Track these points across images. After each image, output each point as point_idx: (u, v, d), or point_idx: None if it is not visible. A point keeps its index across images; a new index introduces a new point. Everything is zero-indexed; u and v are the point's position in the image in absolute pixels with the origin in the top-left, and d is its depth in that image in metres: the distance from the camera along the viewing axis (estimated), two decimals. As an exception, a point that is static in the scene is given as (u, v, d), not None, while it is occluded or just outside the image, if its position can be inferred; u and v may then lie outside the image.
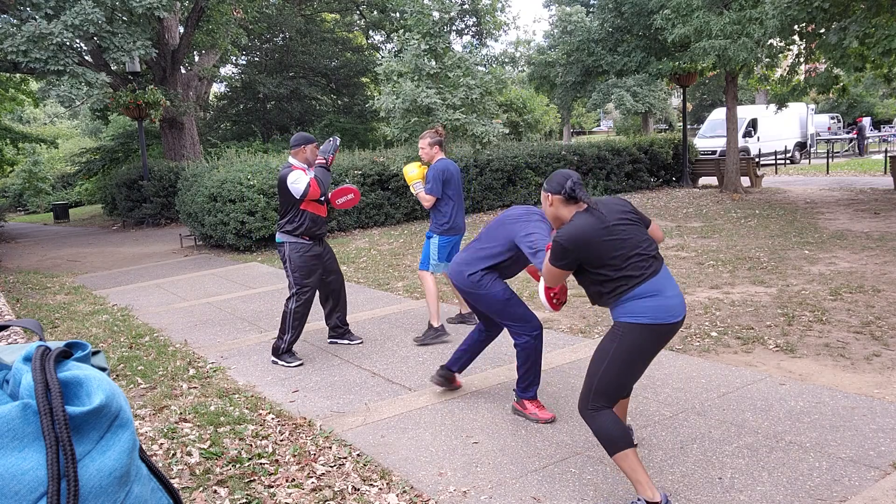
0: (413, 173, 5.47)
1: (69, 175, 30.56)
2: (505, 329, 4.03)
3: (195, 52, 21.04)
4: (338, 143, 5.29)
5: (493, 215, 13.88)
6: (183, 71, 18.94)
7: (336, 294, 5.52)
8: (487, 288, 3.84)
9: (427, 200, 5.41)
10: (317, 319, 6.44)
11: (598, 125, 49.93)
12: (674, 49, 15.09)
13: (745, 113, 23.47)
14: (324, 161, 5.16)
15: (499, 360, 4.92)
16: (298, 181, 5.04)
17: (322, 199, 5.15)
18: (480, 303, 3.91)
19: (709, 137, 23.28)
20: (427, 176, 5.43)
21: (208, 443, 3.69)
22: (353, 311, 6.60)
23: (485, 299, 3.86)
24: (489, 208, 14.60)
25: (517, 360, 3.89)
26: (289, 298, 5.14)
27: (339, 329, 5.60)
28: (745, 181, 16.66)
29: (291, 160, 5.20)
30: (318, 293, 5.43)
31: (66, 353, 0.86)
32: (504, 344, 5.30)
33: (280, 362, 5.13)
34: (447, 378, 4.26)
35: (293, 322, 5.12)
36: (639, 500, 2.70)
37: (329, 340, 5.64)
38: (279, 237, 5.21)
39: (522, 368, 3.87)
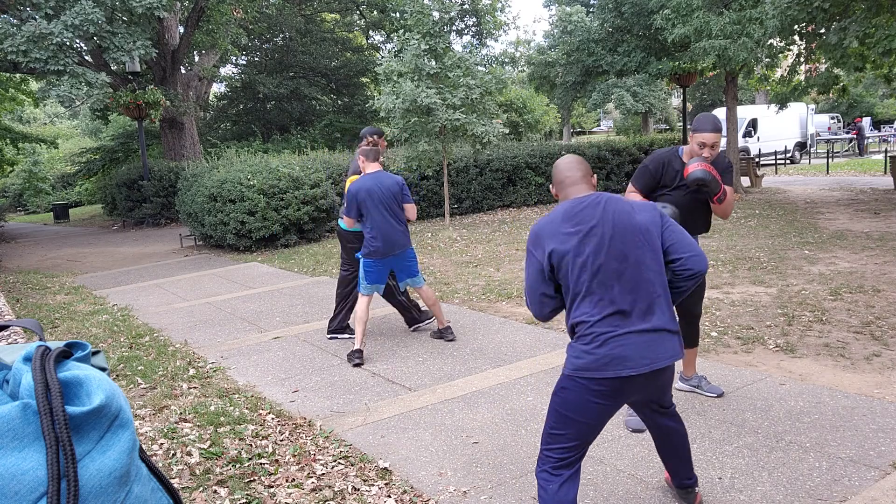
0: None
1: (69, 175, 30.58)
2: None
3: (195, 52, 21.05)
4: None
5: (493, 215, 13.89)
6: (183, 71, 18.94)
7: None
8: None
9: (345, 220, 5.22)
10: (316, 319, 6.44)
11: (598, 125, 49.91)
12: (674, 49, 15.09)
13: (745, 113, 23.48)
14: None
15: (499, 360, 4.92)
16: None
17: None
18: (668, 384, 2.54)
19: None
20: None
21: (208, 443, 3.69)
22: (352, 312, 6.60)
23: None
24: (489, 208, 14.60)
25: (683, 447, 2.72)
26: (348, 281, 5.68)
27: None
28: (746, 181, 16.67)
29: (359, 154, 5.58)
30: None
31: (66, 353, 0.86)
32: (504, 343, 5.30)
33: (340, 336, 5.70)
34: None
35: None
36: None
37: (330, 336, 5.74)
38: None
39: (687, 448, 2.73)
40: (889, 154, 19.51)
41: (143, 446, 2.45)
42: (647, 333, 2.30)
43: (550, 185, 2.65)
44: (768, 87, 16.41)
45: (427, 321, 5.84)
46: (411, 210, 5.22)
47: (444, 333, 5.49)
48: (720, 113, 23.13)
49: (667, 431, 2.68)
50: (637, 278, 2.32)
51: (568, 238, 2.33)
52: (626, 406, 3.74)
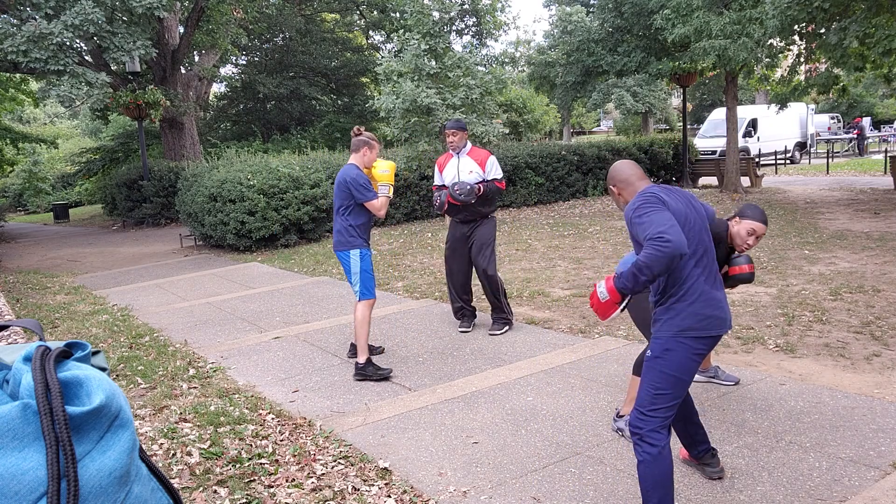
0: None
1: (69, 175, 30.56)
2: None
3: (195, 52, 21.03)
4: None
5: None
6: (183, 71, 18.94)
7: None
8: None
9: None
10: (316, 319, 6.44)
11: (598, 125, 49.90)
12: (674, 49, 15.09)
13: (745, 113, 23.47)
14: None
15: (499, 360, 4.92)
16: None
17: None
18: None
19: (709, 137, 23.28)
20: None
21: (208, 443, 3.69)
22: (352, 312, 6.60)
23: None
24: (489, 208, 14.57)
25: (695, 412, 3.07)
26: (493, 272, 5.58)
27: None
28: (745, 181, 16.67)
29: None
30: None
31: (66, 353, 0.86)
32: (504, 343, 5.30)
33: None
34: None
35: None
36: None
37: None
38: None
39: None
40: (889, 154, 19.51)
41: (143, 446, 2.45)
42: (724, 299, 2.67)
43: (611, 186, 2.84)
44: (768, 87, 16.42)
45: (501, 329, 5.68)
46: (372, 207, 4.70)
47: (363, 369, 4.67)
48: (720, 113, 23.15)
49: (684, 401, 2.96)
50: (712, 252, 2.68)
51: (676, 202, 2.60)
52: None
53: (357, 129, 4.86)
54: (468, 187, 5.38)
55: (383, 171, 4.81)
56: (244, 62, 27.73)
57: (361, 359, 4.68)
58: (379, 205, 4.73)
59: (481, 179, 5.51)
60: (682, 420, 2.99)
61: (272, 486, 3.22)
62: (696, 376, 4.12)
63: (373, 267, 4.89)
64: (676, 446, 3.39)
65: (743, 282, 3.33)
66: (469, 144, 5.66)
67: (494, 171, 5.54)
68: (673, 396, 2.58)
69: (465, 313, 5.81)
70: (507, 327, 5.61)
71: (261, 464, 3.45)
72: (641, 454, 2.57)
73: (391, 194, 4.85)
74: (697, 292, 2.55)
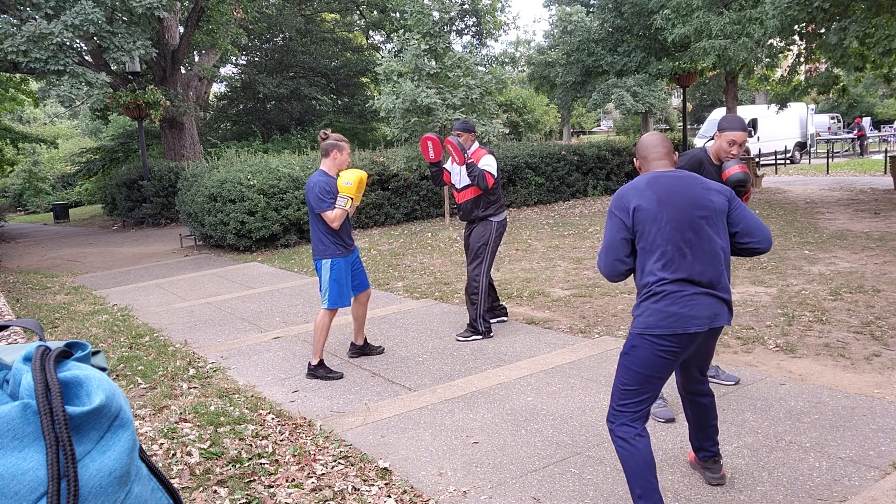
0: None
1: (69, 175, 30.57)
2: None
3: (195, 52, 21.04)
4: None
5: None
6: (183, 71, 18.94)
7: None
8: None
9: None
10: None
11: (598, 125, 49.89)
12: (674, 49, 15.11)
13: (745, 113, 23.48)
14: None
15: (499, 360, 4.92)
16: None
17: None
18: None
19: (709, 137, 23.27)
20: None
21: (208, 443, 3.69)
22: (350, 312, 6.59)
23: None
24: (489, 208, 14.57)
25: (714, 417, 3.01)
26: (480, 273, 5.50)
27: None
28: (745, 181, 16.64)
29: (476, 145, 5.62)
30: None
31: (66, 353, 0.86)
32: (504, 343, 5.30)
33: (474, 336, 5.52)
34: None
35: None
36: None
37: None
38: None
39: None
40: (889, 154, 19.51)
41: (143, 446, 2.45)
42: (710, 297, 2.58)
43: (634, 159, 2.86)
44: (768, 87, 16.44)
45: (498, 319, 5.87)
46: (326, 217, 4.65)
47: (314, 370, 4.80)
48: (720, 113, 23.16)
49: (704, 403, 2.96)
50: (707, 251, 2.57)
51: (650, 201, 2.56)
52: None
53: (324, 133, 4.79)
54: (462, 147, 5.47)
55: (346, 182, 4.64)
56: (244, 62, 27.74)
57: (314, 360, 4.80)
58: (332, 216, 4.63)
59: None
60: (696, 426, 3.02)
61: (272, 486, 3.22)
62: None
63: (348, 276, 4.86)
64: (671, 444, 3.39)
65: (737, 182, 3.41)
66: (476, 145, 5.61)
67: (485, 165, 5.49)
68: (640, 392, 2.61)
69: (492, 307, 5.87)
70: (474, 336, 5.47)
71: (261, 464, 3.45)
72: (617, 448, 2.66)
73: (349, 207, 4.67)
74: (665, 291, 2.54)
